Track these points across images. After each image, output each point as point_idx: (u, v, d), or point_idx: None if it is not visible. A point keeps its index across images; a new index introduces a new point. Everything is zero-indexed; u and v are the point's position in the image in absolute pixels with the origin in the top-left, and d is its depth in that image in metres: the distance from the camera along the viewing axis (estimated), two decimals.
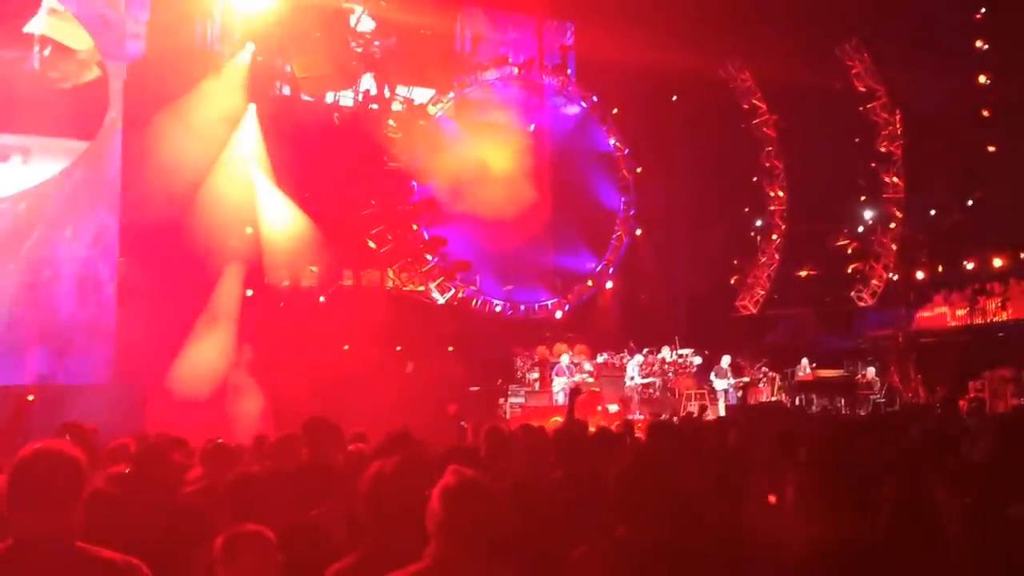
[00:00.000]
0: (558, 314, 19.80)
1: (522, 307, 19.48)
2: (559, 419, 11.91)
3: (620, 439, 6.20)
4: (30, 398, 11.78)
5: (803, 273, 21.11)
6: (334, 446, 5.16)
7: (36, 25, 12.54)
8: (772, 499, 3.20)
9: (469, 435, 7.28)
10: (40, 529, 2.48)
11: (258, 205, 14.83)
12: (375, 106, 17.85)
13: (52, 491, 2.51)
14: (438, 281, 18.16)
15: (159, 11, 13.98)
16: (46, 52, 12.57)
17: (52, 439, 2.72)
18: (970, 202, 19.50)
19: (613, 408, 16.44)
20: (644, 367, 17.72)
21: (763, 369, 18.67)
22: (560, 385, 16.75)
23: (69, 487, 2.54)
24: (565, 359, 17.18)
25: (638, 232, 20.78)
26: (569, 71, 20.44)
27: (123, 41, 13.40)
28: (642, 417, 15.06)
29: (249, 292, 14.53)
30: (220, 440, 5.30)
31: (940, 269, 20.16)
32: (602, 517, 3.59)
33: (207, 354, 13.28)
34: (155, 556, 2.73)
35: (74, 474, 2.56)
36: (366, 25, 16.75)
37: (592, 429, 6.62)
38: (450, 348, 16.99)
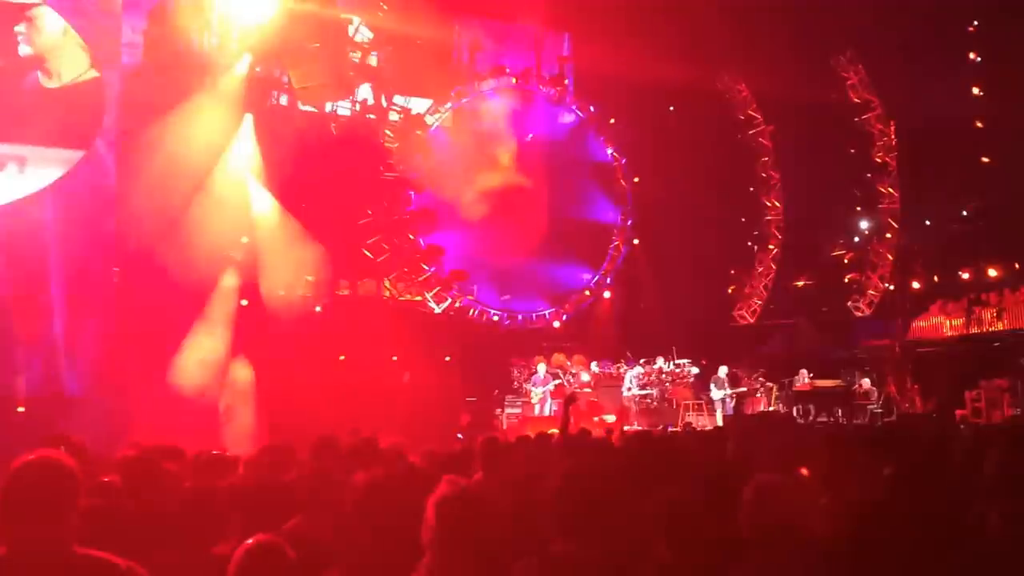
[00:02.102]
0: (556, 324, 19.77)
1: (519, 317, 19.44)
2: (556, 431, 11.81)
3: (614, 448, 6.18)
4: (20, 409, 11.72)
5: (800, 283, 21.16)
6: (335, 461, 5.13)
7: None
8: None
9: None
10: (35, 538, 2.48)
11: (254, 215, 14.80)
12: (372, 116, 17.87)
13: (47, 501, 2.51)
14: (435, 291, 18.13)
15: (156, 20, 13.97)
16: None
17: (46, 449, 2.70)
18: (965, 213, 19.57)
19: (610, 418, 16.42)
20: (641, 377, 17.70)
21: (760, 379, 18.67)
22: (538, 395, 16.74)
23: (64, 497, 2.55)
24: (542, 368, 17.19)
25: (635, 242, 20.79)
26: (567, 81, 20.46)
27: (119, 50, 13.37)
28: (640, 428, 15.03)
29: (244, 302, 14.49)
30: (214, 451, 5.26)
31: (936, 279, 20.20)
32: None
33: (201, 364, 13.22)
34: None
35: (69, 483, 2.56)
36: (364, 35, 16.79)
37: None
38: (447, 358, 16.95)
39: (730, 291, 21.57)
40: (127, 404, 11.76)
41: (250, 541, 2.85)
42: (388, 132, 17.95)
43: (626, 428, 13.60)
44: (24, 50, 12.64)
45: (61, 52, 12.79)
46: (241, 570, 2.77)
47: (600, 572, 2.80)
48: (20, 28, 12.64)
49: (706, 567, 3.22)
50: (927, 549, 3.28)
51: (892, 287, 20.29)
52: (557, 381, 17.02)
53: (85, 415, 10.96)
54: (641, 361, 18.10)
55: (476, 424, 14.58)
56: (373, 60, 17.18)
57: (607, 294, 20.54)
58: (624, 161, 20.70)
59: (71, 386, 12.44)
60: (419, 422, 12.46)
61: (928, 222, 20.37)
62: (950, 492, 3.77)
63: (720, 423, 16.18)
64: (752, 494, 2.95)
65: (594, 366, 18.51)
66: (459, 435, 13.02)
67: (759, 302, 21.15)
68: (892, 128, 20.35)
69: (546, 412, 16.58)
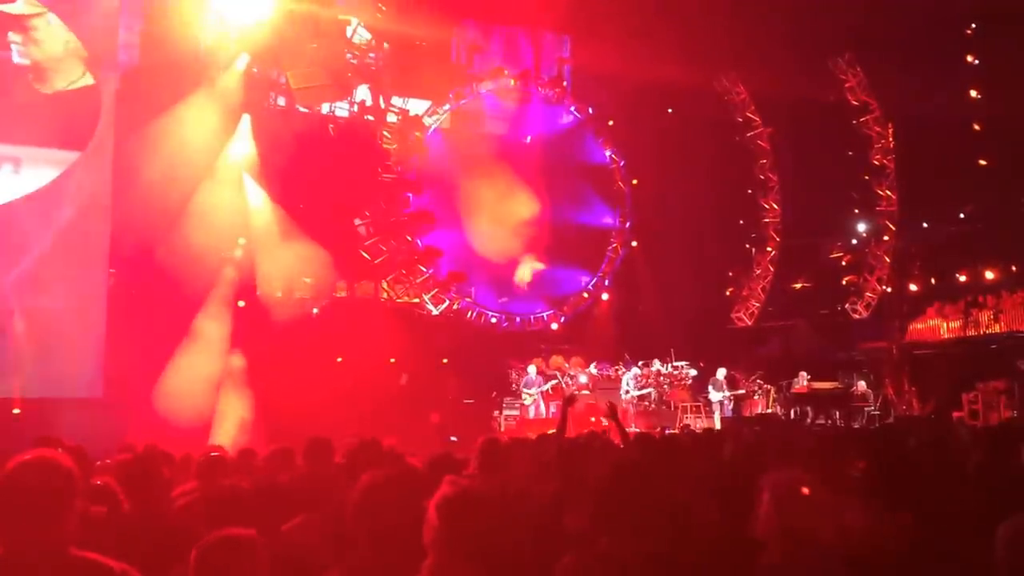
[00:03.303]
0: (554, 326, 19.76)
1: (517, 319, 19.42)
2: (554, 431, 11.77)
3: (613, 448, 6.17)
4: (16, 411, 11.66)
5: (798, 285, 21.17)
6: (329, 463, 5.10)
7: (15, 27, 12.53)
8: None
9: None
10: (31, 539, 2.44)
11: (251, 216, 14.77)
12: (370, 117, 17.85)
13: (43, 502, 2.47)
14: (432, 293, 18.10)
15: (153, 20, 13.94)
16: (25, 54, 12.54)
17: (42, 449, 2.66)
18: (962, 215, 19.59)
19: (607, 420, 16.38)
20: (639, 379, 17.69)
21: (758, 381, 18.67)
22: (531, 397, 16.71)
23: (61, 498, 2.51)
24: (533, 369, 17.20)
25: (634, 244, 20.79)
26: (565, 83, 20.47)
27: (116, 50, 13.34)
28: (637, 430, 15.00)
29: (241, 303, 14.45)
30: (216, 453, 5.23)
31: (933, 282, 20.23)
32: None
33: (198, 366, 13.18)
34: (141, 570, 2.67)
35: (65, 484, 2.52)
36: (362, 36, 16.75)
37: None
38: (444, 360, 16.94)
39: (728, 293, 21.57)
40: (124, 406, 11.73)
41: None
42: (386, 133, 17.93)
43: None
44: (18, 60, 12.57)
45: (58, 64, 12.75)
46: (200, 566, 2.66)
47: (643, 571, 2.78)
48: (15, 38, 12.56)
49: (719, 567, 3.20)
50: (931, 552, 3.26)
51: (890, 289, 20.32)
52: (553, 382, 17.00)
53: (82, 417, 10.92)
54: (639, 363, 18.09)
55: (447, 424, 14.51)
56: (371, 61, 17.15)
57: (605, 296, 20.54)
58: (623, 163, 20.71)
59: (68, 388, 12.38)
60: (416, 424, 12.44)
61: (926, 224, 20.40)
62: (954, 494, 3.74)
63: (718, 425, 16.17)
64: (770, 494, 2.92)
65: (592, 368, 18.48)
66: (453, 438, 12.97)
67: (757, 304, 21.14)
68: (890, 130, 20.36)
69: (542, 414, 16.55)
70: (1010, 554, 2.67)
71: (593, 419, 15.66)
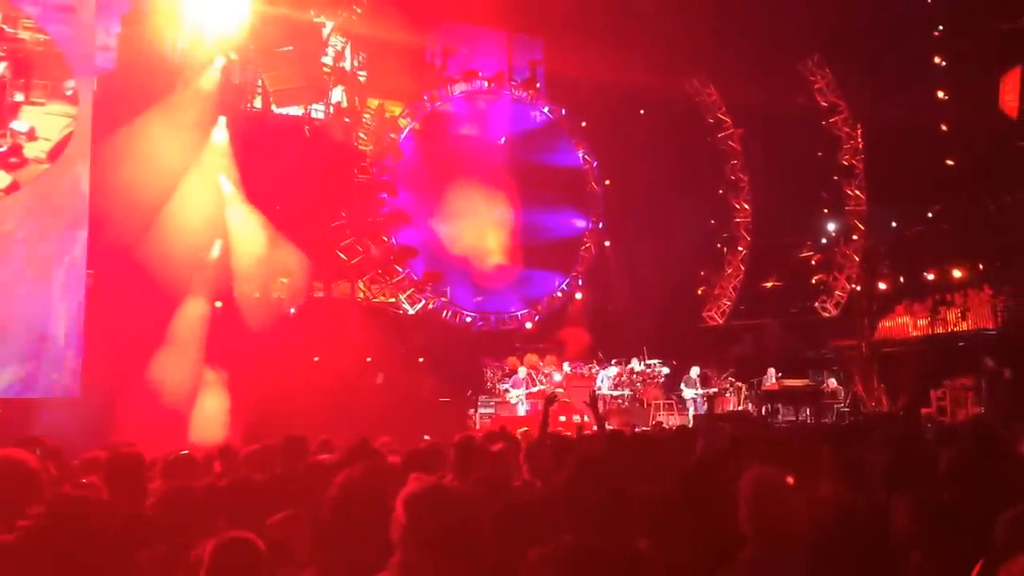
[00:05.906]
0: (528, 325, 19.90)
1: (492, 318, 19.54)
2: (525, 429, 11.92)
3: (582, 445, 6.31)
4: None
5: (768, 284, 21.38)
6: (303, 461, 5.21)
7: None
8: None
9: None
10: None
11: (228, 217, 14.79)
12: (347, 119, 17.90)
13: (6, 500, 2.51)
14: (408, 292, 18.20)
15: (131, 24, 13.90)
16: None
17: (7, 448, 2.68)
18: (930, 214, 19.91)
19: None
20: (614, 378, 17.87)
21: (729, 379, 18.89)
22: (517, 396, 16.87)
23: (24, 497, 2.53)
24: (523, 370, 17.32)
25: (607, 244, 20.97)
26: (538, 85, 20.60)
27: (93, 53, 13.31)
28: (611, 427, 15.15)
29: (218, 304, 14.48)
30: (185, 451, 5.32)
31: (902, 280, 20.51)
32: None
33: (176, 366, 13.20)
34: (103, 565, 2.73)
35: (30, 484, 2.57)
36: (337, 39, 16.82)
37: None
38: (420, 359, 17.04)
39: (700, 292, 21.74)
40: (103, 405, 11.73)
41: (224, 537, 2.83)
42: (361, 135, 18.00)
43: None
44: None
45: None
46: (214, 565, 2.74)
47: (614, 565, 2.82)
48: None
49: (685, 562, 3.32)
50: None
51: (859, 288, 20.55)
52: (541, 387, 17.11)
53: (61, 416, 10.93)
54: (613, 361, 18.27)
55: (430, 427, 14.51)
56: (347, 63, 17.21)
57: (579, 295, 20.70)
58: (595, 164, 20.87)
59: (47, 388, 12.37)
60: (393, 423, 12.53)
61: (894, 224, 20.67)
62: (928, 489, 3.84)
63: (691, 422, 16.38)
64: (750, 489, 3.00)
65: (566, 366, 18.64)
66: (426, 436, 13.07)
67: (728, 303, 21.34)
68: (859, 131, 20.59)
69: (522, 413, 16.70)
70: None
71: (563, 419, 15.79)
